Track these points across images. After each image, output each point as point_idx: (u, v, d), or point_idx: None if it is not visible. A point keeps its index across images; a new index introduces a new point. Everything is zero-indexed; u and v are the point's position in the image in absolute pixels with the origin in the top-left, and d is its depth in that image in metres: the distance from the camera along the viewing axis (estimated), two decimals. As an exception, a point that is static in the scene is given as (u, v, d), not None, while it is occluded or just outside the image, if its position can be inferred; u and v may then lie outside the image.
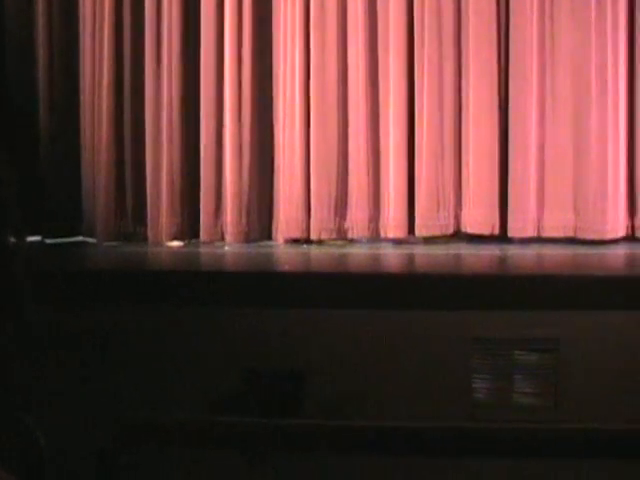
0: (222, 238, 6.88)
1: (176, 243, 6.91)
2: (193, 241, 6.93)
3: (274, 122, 6.90)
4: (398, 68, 6.77)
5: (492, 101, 6.73)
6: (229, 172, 6.86)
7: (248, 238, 6.88)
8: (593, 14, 6.61)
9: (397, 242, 6.82)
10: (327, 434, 4.62)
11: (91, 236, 6.95)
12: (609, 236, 6.60)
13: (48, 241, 6.85)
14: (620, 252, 6.52)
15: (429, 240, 6.80)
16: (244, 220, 6.87)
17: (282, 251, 6.79)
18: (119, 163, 6.96)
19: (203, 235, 6.89)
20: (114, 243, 6.91)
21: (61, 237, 6.92)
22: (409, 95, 6.80)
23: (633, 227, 6.67)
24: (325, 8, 6.81)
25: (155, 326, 5.42)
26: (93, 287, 5.56)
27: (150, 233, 6.91)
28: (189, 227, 6.93)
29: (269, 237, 6.92)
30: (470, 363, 5.30)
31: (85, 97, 6.97)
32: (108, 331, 5.34)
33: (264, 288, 5.67)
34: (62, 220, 6.93)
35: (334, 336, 5.38)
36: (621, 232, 6.64)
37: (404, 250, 6.74)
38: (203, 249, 6.85)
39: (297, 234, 6.86)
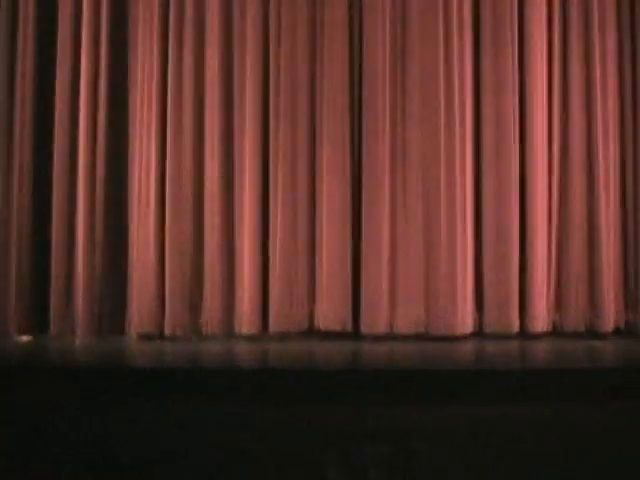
0: (73, 331, 6.76)
1: (25, 337, 6.73)
2: (43, 334, 6.78)
3: (128, 215, 6.86)
4: (252, 165, 6.86)
5: (345, 200, 6.88)
6: (81, 265, 6.77)
7: (100, 332, 6.77)
8: (442, 116, 6.86)
9: (251, 338, 6.81)
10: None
11: None
12: (459, 331, 6.77)
13: None
14: (469, 347, 6.69)
15: (283, 336, 6.82)
16: (96, 313, 6.77)
17: (135, 346, 6.69)
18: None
19: (53, 328, 6.75)
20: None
21: None
22: (263, 193, 6.89)
23: (481, 322, 6.87)
24: (183, 98, 6.89)
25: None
26: None
27: (-3, 326, 6.74)
28: (39, 320, 6.79)
29: (122, 331, 6.82)
30: (323, 457, 5.29)
31: None
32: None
33: (113, 383, 5.58)
34: None
35: (185, 432, 5.30)
36: (470, 328, 6.83)
37: (258, 346, 6.73)
38: (53, 343, 6.69)
39: (151, 329, 6.79)
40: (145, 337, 6.78)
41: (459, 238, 6.84)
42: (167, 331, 6.78)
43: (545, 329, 6.86)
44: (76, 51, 6.90)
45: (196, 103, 6.89)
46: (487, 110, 6.91)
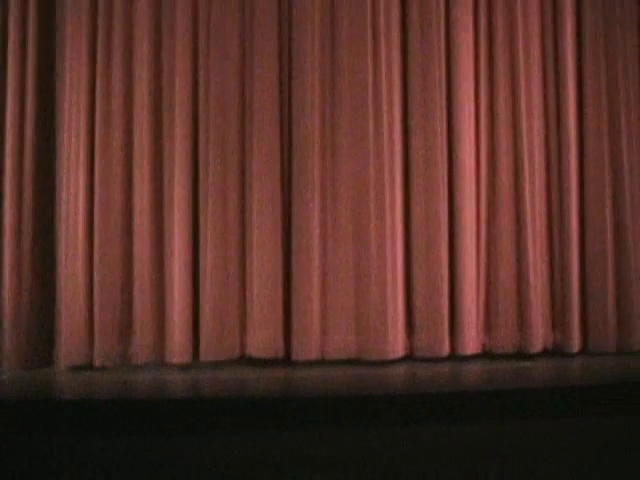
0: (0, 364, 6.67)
1: (-50, 371, 6.64)
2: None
3: (56, 245, 6.80)
4: (182, 194, 6.85)
5: (275, 228, 6.89)
6: (8, 295, 6.68)
7: (28, 364, 6.68)
8: (371, 143, 6.93)
9: (183, 367, 6.78)
10: None
11: None
12: (390, 356, 6.81)
13: None
14: (400, 371, 6.73)
15: (214, 364, 6.80)
16: (24, 345, 6.68)
17: (64, 377, 6.61)
18: None
19: (-21, 362, 6.66)
20: None
21: None
22: (194, 221, 6.88)
23: (412, 347, 6.92)
24: (110, 126, 6.86)
25: None
26: None
27: None
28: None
29: (50, 363, 6.74)
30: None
31: None
32: None
33: (42, 416, 5.52)
34: None
35: (115, 463, 5.26)
36: (401, 352, 6.87)
37: (190, 374, 6.69)
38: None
39: (80, 360, 6.72)
40: (75, 368, 6.71)
41: (389, 263, 6.88)
42: (97, 362, 6.71)
43: (475, 351, 6.95)
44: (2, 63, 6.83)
45: (126, 134, 6.87)
46: (416, 137, 6.98)
